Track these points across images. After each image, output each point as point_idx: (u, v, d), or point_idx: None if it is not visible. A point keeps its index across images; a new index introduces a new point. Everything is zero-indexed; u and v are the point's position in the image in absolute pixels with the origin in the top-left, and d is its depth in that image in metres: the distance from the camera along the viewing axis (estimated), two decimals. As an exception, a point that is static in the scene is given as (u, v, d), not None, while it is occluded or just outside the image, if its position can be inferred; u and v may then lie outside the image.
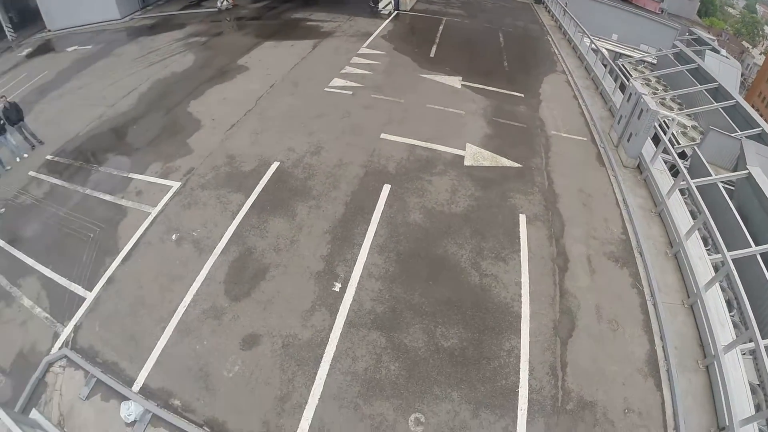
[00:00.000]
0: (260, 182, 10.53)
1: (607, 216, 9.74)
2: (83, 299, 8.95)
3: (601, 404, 6.56)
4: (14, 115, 15.38)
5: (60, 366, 7.94)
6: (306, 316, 7.74)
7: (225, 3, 25.44)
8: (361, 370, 6.92)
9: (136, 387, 7.18)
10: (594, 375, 6.88)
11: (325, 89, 13.97)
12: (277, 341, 7.42)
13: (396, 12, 20.05)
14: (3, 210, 12.89)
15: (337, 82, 14.28)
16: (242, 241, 9.14)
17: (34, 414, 5.79)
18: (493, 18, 21.30)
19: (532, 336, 7.32)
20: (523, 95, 14.88)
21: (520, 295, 7.98)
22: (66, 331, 8.50)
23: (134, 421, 6.83)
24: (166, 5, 30.87)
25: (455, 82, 14.93)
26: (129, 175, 12.13)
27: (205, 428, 6.47)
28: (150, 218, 10.30)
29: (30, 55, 29.87)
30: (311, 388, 6.76)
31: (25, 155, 15.64)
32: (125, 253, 9.60)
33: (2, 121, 14.83)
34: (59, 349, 8.28)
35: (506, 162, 11.14)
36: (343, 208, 9.61)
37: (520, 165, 11.06)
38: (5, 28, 35.14)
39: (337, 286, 8.16)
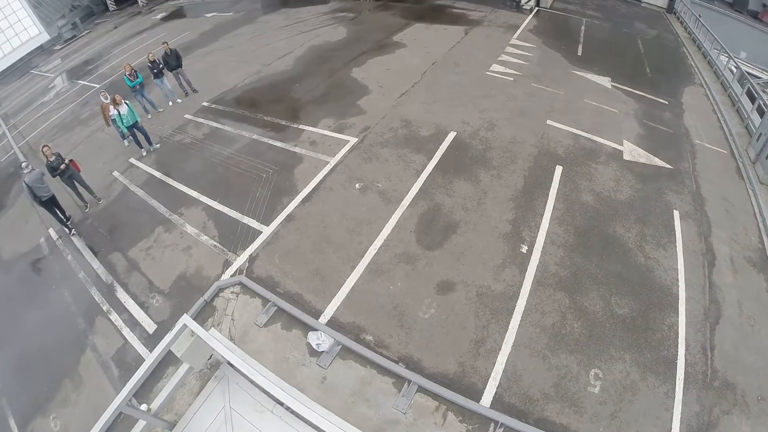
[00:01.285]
0: (440, 147, 11.17)
1: (746, 225, 9.93)
2: (258, 232, 9.74)
3: (740, 387, 6.85)
4: (173, 61, 16.33)
5: (232, 292, 8.58)
6: (497, 270, 8.24)
7: (367, -18, 26.38)
8: (549, 325, 7.38)
9: (323, 320, 7.69)
10: (735, 361, 7.17)
11: (487, 73, 14.54)
12: (472, 290, 7.92)
13: (537, 8, 20.33)
14: (158, 146, 14.11)
15: (496, 67, 14.83)
16: (430, 197, 9.78)
17: (213, 332, 6.07)
18: (629, 23, 21.26)
19: (688, 317, 7.68)
20: (666, 103, 15.01)
21: (677, 280, 8.32)
22: (239, 260, 9.21)
23: (322, 352, 7.19)
24: None
25: (605, 82, 15.21)
26: (299, 126, 13.00)
27: (401, 364, 6.88)
28: (329, 167, 11.09)
29: (165, 19, 32.03)
30: (504, 335, 7.22)
31: (178, 100, 16.83)
32: (305, 195, 10.41)
33: (161, 66, 15.82)
34: (231, 275, 8.94)
35: (659, 162, 11.43)
36: (522, 180, 10.17)
37: (671, 167, 11.30)
38: (139, 0, 37.72)
39: (524, 248, 8.67)
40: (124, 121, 13.48)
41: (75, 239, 11.77)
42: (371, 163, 10.93)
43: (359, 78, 15.23)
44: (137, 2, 40.55)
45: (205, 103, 16.32)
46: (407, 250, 8.71)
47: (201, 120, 15.31)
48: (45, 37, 39.01)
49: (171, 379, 6.21)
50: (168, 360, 7.46)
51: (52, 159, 11.80)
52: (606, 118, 12.86)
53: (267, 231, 9.71)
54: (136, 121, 13.73)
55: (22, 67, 35.81)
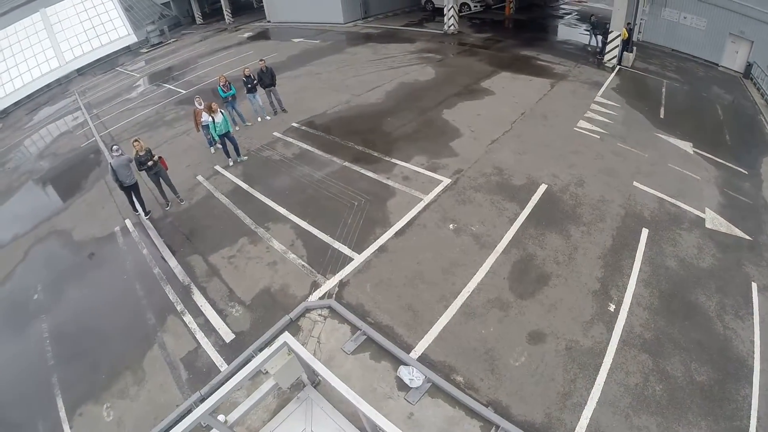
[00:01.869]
0: (532, 198, 11.70)
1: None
2: (350, 259, 10.16)
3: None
4: (268, 78, 17.04)
5: (320, 315, 8.86)
6: (586, 326, 8.54)
7: (452, 28, 27.31)
8: (632, 385, 7.56)
9: (414, 355, 7.81)
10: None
11: (574, 129, 15.09)
12: (561, 343, 8.18)
13: (618, 66, 20.83)
14: (246, 158, 14.78)
15: (583, 124, 15.35)
16: (522, 247, 10.27)
17: (305, 352, 5.99)
18: (707, 87, 21.35)
19: (761, 389, 7.75)
20: (746, 173, 15.21)
21: (753, 352, 8.44)
22: (329, 284, 9.56)
23: (412, 387, 7.22)
24: (385, 19, 33.41)
25: (687, 147, 15.52)
26: (392, 160, 13.69)
27: (490, 408, 6.98)
28: (422, 204, 11.66)
29: (251, 38, 33.60)
30: (590, 391, 7.36)
31: (267, 117, 17.63)
32: (398, 229, 10.94)
33: (255, 82, 16.58)
34: (319, 298, 9.22)
35: (739, 232, 11.64)
36: (611, 240, 10.62)
37: (750, 238, 11.44)
38: (225, 13, 39.97)
39: (612, 307, 9.00)
40: (217, 129, 13.95)
41: (152, 234, 12.24)
42: (465, 205, 11.52)
43: (450, 120, 16.01)
44: (224, 19, 42.54)
45: (294, 124, 17.07)
46: (500, 296, 9.06)
47: (290, 140, 16.00)
48: (133, 39, 41.53)
49: (253, 393, 6.36)
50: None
51: (142, 153, 12.19)
52: (689, 185, 13.20)
53: (359, 259, 10.15)
54: (228, 131, 14.27)
55: (109, 63, 38.06)
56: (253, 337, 8.62)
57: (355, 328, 8.37)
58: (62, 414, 7.94)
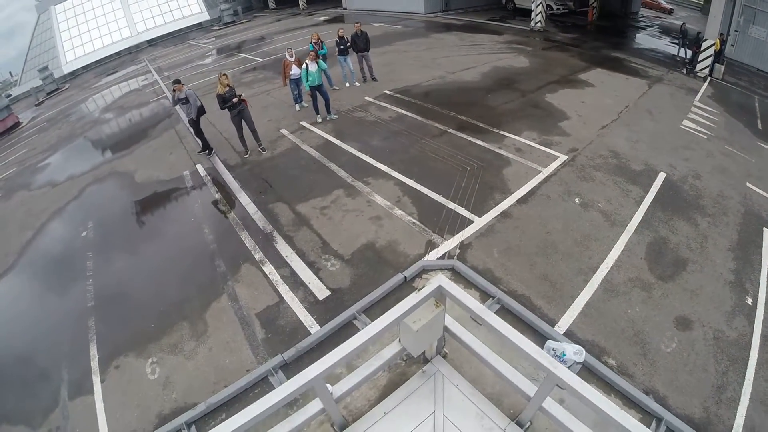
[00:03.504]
0: (653, 183, 11.49)
1: None
2: (469, 221, 9.58)
3: None
4: (362, 43, 16.69)
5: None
6: (728, 317, 8.08)
7: (538, 25, 27.17)
8: None
9: (559, 330, 7.04)
10: None
11: (680, 126, 14.88)
12: (708, 332, 7.68)
13: (709, 78, 20.61)
14: (336, 116, 14.38)
15: (687, 123, 15.13)
16: (654, 229, 10.00)
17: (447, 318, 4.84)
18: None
19: None
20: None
21: None
22: (448, 244, 8.87)
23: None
24: (465, 14, 33.42)
25: (789, 160, 15.34)
26: (500, 132, 13.49)
27: (651, 396, 6.27)
28: (541, 176, 11.38)
29: (327, 21, 33.96)
30: (742, 386, 6.88)
31: (357, 84, 17.35)
32: (520, 196, 10.59)
33: (349, 45, 16.24)
34: (438, 258, 8.45)
35: None
36: (737, 234, 10.38)
37: None
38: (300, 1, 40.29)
39: (749, 300, 8.65)
40: (310, 79, 13.33)
41: (228, 180, 11.92)
42: (587, 182, 11.32)
43: (554, 103, 15.85)
44: (298, 5, 42.83)
45: (387, 92, 16.86)
46: (640, 276, 8.64)
47: (384, 104, 15.73)
48: (205, 17, 42.63)
49: (369, 361, 4.78)
50: (347, 333, 6.86)
51: (226, 90, 11.63)
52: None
53: (479, 221, 9.61)
54: (321, 84, 13.74)
55: (180, 37, 38.69)
56: (355, 295, 7.71)
57: (485, 295, 7.50)
58: (94, 364, 7.15)
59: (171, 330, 7.50)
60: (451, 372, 5.13)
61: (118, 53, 38.94)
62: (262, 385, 5.94)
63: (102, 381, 6.80)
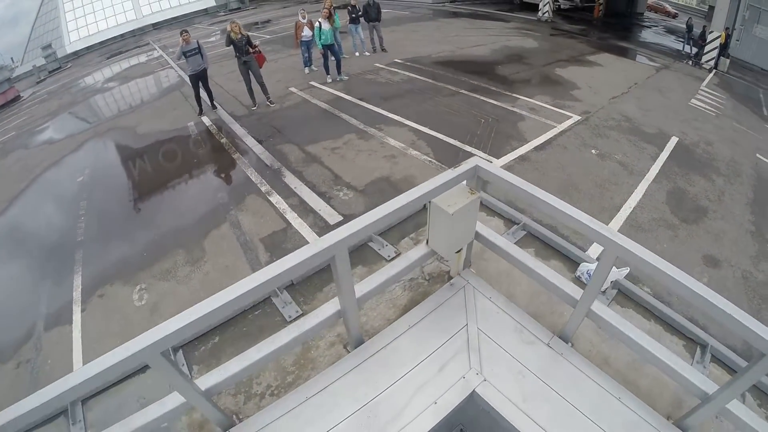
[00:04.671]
0: (667, 144, 11.53)
1: None
2: (488, 162, 9.83)
3: None
4: (374, 12, 16.69)
5: None
6: (754, 261, 7.99)
7: (546, 15, 27.38)
8: None
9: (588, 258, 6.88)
10: None
11: (689, 103, 14.99)
12: (737, 272, 7.58)
13: (714, 70, 20.82)
14: (347, 78, 14.40)
15: (696, 102, 15.24)
16: (671, 180, 10.01)
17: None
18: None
19: None
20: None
21: None
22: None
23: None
24: (473, 5, 33.67)
25: (794, 143, 15.45)
26: (513, 94, 13.52)
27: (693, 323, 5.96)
28: (556, 130, 11.38)
29: (336, 8, 33.49)
30: None
31: (366, 53, 17.31)
32: (536, 144, 10.61)
33: (360, 14, 16.25)
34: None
35: None
36: (752, 192, 10.39)
37: None
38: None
39: None
40: (322, 37, 13.34)
41: (234, 128, 11.87)
42: (602, 138, 11.33)
43: (565, 76, 15.91)
44: None
45: (398, 60, 16.89)
46: (664, 217, 8.64)
47: (395, 70, 15.76)
48: (211, 2, 42.14)
49: (387, 265, 4.21)
50: (361, 255, 6.30)
51: (239, 37, 11.34)
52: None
53: (498, 162, 9.57)
54: (334, 44, 13.76)
55: (185, 22, 38.48)
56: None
57: (509, 222, 7.03)
58: (76, 294, 6.78)
59: (164, 257, 7.14)
60: (483, 284, 4.58)
61: (122, 35, 38.74)
62: (263, 307, 5.23)
63: (83, 311, 6.40)
